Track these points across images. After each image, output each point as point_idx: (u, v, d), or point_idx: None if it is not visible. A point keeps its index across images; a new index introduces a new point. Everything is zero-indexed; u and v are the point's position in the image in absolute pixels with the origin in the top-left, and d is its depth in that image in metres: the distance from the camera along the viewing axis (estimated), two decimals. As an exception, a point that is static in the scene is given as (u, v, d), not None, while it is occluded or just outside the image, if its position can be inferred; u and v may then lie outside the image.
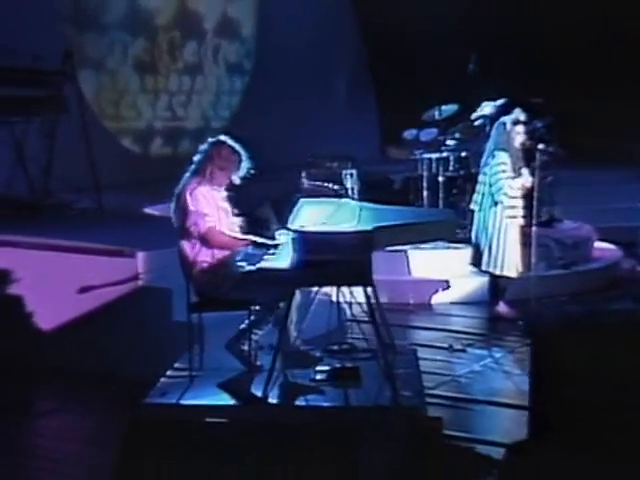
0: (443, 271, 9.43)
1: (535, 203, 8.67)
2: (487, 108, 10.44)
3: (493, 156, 8.51)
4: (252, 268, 5.33)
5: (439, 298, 9.30)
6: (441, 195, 10.01)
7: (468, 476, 4.50)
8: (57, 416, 6.51)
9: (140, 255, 7.01)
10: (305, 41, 14.48)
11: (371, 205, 5.94)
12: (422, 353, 7.60)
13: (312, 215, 5.43)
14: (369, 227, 5.08)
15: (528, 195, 8.68)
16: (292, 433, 4.33)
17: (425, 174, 10.09)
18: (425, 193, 10.07)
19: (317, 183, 5.95)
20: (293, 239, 5.05)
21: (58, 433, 6.19)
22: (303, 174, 10.47)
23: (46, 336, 7.15)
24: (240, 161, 5.70)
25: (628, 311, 4.99)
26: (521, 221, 8.56)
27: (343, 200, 5.94)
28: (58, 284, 7.17)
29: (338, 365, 5.62)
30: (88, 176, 9.57)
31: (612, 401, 3.87)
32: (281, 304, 5.45)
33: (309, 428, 4.39)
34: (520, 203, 8.55)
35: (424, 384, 6.31)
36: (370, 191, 10.53)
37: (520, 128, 8.66)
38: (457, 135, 10.46)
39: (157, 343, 6.53)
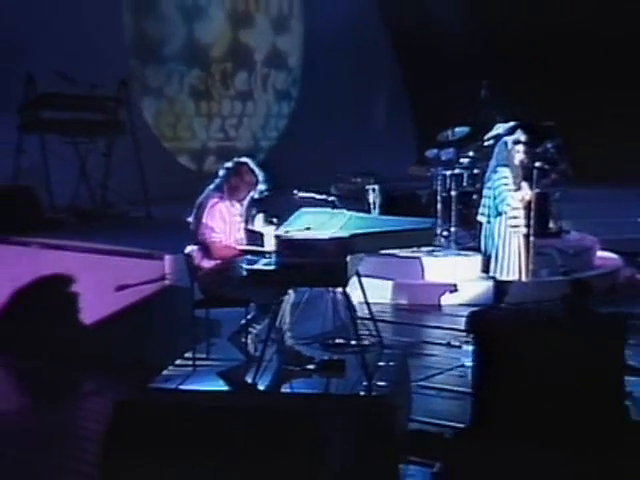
0: (452, 276, 9.42)
1: (533, 214, 8.60)
2: (500, 129, 10.38)
3: (496, 171, 8.47)
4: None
5: (448, 300, 9.28)
6: (453, 208, 9.96)
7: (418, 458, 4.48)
8: (95, 399, 6.63)
9: (167, 258, 7.12)
10: (346, 69, 14.52)
11: (361, 214, 5.96)
12: (424, 349, 7.65)
13: (303, 222, 5.45)
14: (346, 234, 5.09)
15: (528, 207, 8.63)
16: (265, 417, 4.39)
17: (439, 189, 10.07)
18: (439, 206, 10.04)
19: (308, 195, 5.93)
20: (276, 243, 5.08)
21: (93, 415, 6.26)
22: (332, 188, 10.56)
23: (88, 328, 7.31)
24: (257, 182, 5.77)
25: (551, 310, 4.93)
26: (523, 230, 8.50)
27: (337, 210, 5.90)
28: (101, 282, 7.33)
29: (326, 357, 5.62)
30: (142, 189, 9.78)
31: (540, 390, 3.85)
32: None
33: (281, 412, 4.45)
34: (521, 214, 8.51)
35: (412, 376, 6.35)
36: (398, 204, 10.64)
37: (520, 147, 8.58)
38: (471, 154, 10.40)
39: (179, 334, 6.61)
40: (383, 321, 8.65)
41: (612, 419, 3.66)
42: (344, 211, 5.92)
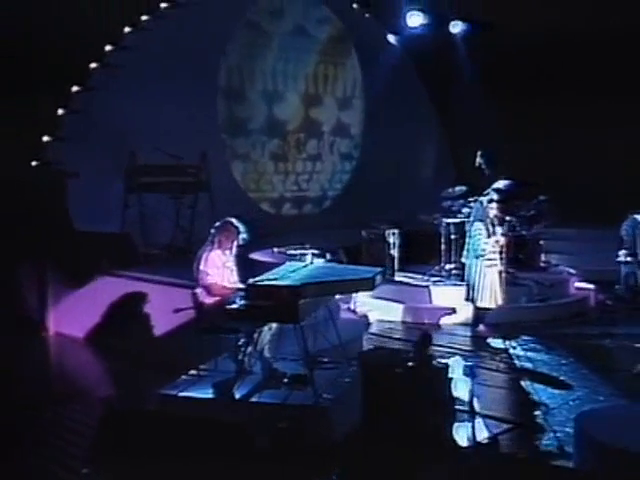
0: (451, 301, 9.28)
1: (504, 255, 8.47)
2: (499, 185, 10.14)
3: (473, 225, 8.53)
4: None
5: (447, 320, 9.17)
6: (454, 248, 9.83)
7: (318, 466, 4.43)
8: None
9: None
10: (398, 136, 14.35)
11: (328, 265, 5.97)
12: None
13: (278, 273, 5.54)
14: (299, 283, 5.14)
15: (501, 249, 8.50)
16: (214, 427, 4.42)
17: (443, 233, 9.95)
18: (443, 247, 9.93)
19: (283, 250, 5.99)
20: (245, 289, 5.19)
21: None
22: (363, 233, 10.57)
23: (153, 339, 7.58)
24: (239, 233, 5.89)
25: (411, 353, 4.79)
26: (495, 268, 8.41)
27: (314, 263, 5.94)
28: (164, 306, 7.58)
29: (295, 373, 5.64)
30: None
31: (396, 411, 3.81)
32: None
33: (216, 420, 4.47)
34: (496, 255, 8.43)
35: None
36: (420, 244, 10.62)
37: (493, 205, 8.54)
38: (472, 205, 10.20)
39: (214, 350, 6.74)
40: (391, 338, 8.66)
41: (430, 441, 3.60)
42: (317, 263, 5.98)
